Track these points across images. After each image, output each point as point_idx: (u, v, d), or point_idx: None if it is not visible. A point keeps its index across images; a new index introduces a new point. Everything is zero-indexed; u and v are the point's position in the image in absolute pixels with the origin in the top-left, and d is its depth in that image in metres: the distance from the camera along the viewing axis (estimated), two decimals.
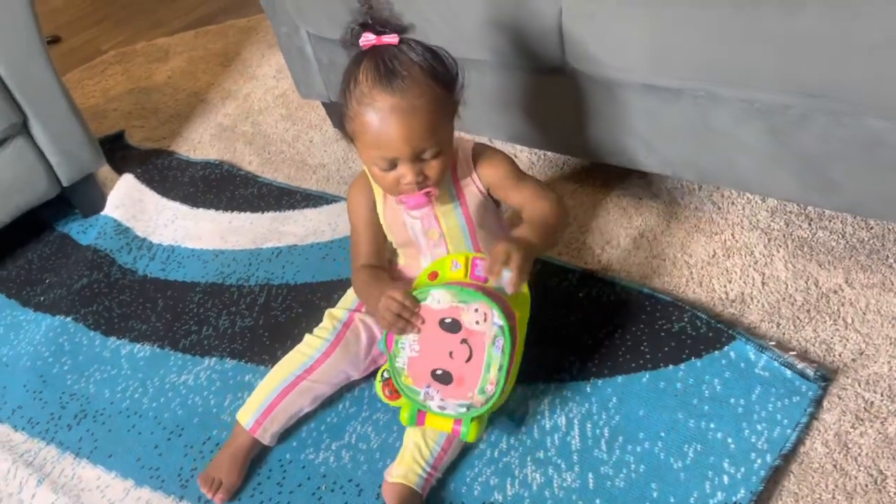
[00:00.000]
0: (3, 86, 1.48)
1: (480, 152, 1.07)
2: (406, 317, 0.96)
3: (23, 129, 1.54)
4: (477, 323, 0.94)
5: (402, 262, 1.16)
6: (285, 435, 1.13)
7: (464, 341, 0.95)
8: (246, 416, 1.10)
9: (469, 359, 0.95)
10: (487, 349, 0.94)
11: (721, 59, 1.02)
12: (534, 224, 1.00)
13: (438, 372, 0.96)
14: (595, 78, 1.19)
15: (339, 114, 0.99)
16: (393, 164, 0.97)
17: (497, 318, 0.93)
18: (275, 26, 1.64)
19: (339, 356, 1.11)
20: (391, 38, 0.94)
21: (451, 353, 0.95)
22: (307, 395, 1.11)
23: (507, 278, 0.90)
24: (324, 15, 1.45)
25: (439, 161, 0.98)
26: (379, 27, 0.94)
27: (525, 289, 0.96)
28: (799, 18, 0.92)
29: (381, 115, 0.93)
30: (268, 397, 1.10)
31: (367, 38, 0.95)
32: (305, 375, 1.10)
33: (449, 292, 0.95)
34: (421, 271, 1.05)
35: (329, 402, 1.15)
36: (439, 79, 0.95)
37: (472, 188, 1.06)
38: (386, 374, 1.04)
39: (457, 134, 1.03)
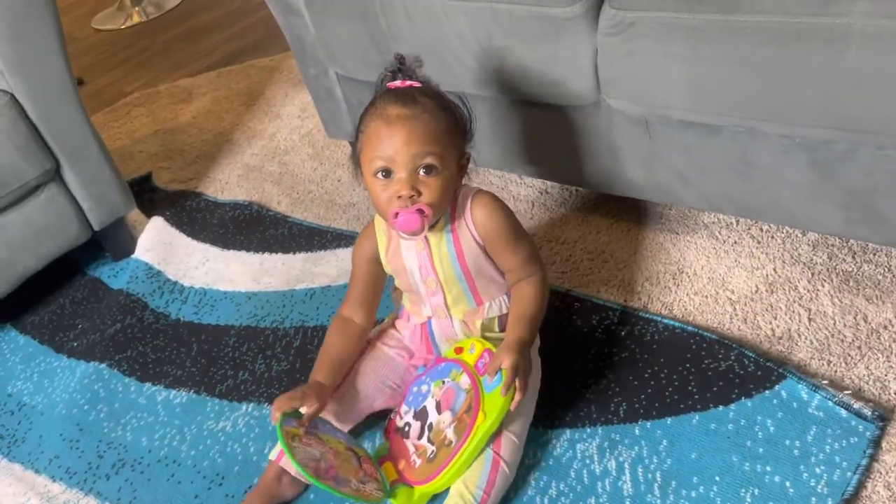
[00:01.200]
0: (37, 133, 1.49)
1: (479, 200, 1.07)
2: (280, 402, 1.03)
3: (55, 175, 1.55)
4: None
5: (408, 306, 1.18)
6: None
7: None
8: (273, 451, 1.10)
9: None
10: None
11: (763, 95, 1.02)
12: (524, 320, 1.05)
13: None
14: (631, 114, 1.19)
15: (354, 149, 1.07)
16: (389, 173, 1.00)
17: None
18: (302, 68, 1.65)
19: (355, 382, 1.14)
20: (414, 83, 1.04)
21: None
22: (332, 417, 1.10)
23: (498, 381, 0.99)
24: (355, 58, 1.46)
25: (436, 180, 1.00)
26: (407, 77, 1.05)
27: (506, 399, 0.99)
28: (844, 55, 0.92)
29: (386, 119, 0.99)
30: None
31: (395, 83, 1.05)
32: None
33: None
34: (424, 318, 1.14)
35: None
36: (449, 110, 1.03)
37: (468, 237, 1.07)
38: (392, 415, 1.12)
39: (470, 182, 1.10)
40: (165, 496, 1.17)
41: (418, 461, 1.03)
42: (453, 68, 1.30)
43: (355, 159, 1.07)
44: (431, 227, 1.05)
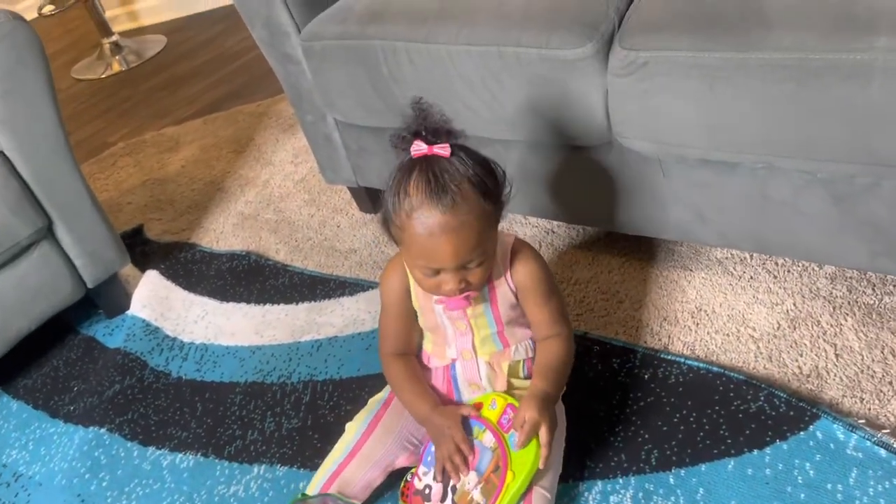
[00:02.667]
0: (29, 190, 1.45)
1: (518, 251, 1.05)
2: (458, 462, 0.99)
3: (48, 233, 1.50)
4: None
5: (430, 349, 1.14)
6: None
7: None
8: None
9: None
10: None
11: (782, 132, 1.01)
12: (550, 372, 1.03)
13: None
14: (644, 153, 1.17)
15: (383, 213, 0.99)
16: (436, 272, 0.97)
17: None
18: (299, 115, 1.63)
19: (377, 438, 1.08)
20: (443, 150, 0.93)
21: None
22: (355, 483, 1.06)
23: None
24: (355, 103, 1.44)
25: (483, 269, 0.98)
26: (431, 137, 0.94)
27: (533, 450, 0.96)
28: (867, 90, 0.91)
29: (430, 230, 0.92)
30: (330, 468, 1.07)
31: (419, 148, 0.94)
32: (347, 461, 1.06)
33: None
34: (447, 360, 1.10)
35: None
36: (488, 194, 0.95)
37: (505, 288, 1.05)
38: (409, 477, 1.06)
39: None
40: None
41: None
42: (460, 113, 1.28)
43: (386, 228, 1.00)
44: None
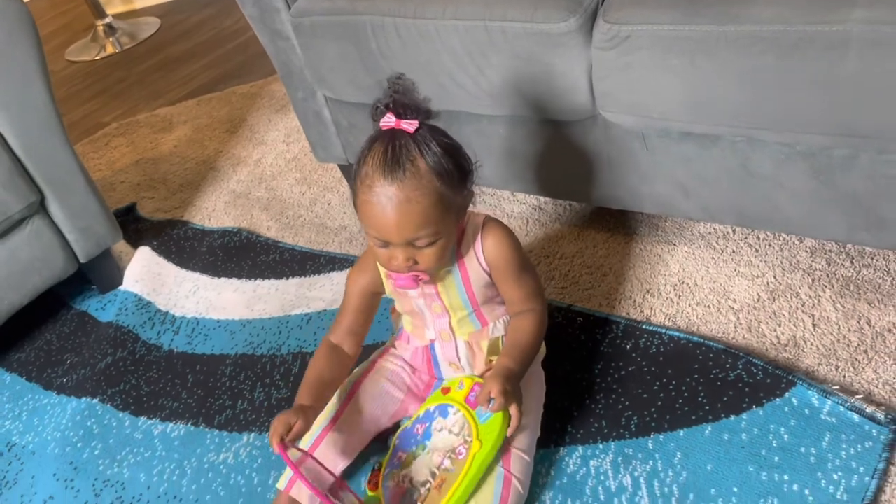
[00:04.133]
0: (21, 165, 1.46)
1: (489, 230, 1.05)
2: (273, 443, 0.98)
3: (40, 207, 1.51)
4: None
5: (409, 329, 1.15)
6: None
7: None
8: (282, 480, 1.08)
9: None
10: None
11: (762, 104, 1.02)
12: (516, 350, 1.04)
13: None
14: (627, 127, 1.19)
15: (351, 179, 1.00)
16: (386, 244, 0.97)
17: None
18: (290, 92, 1.64)
19: (358, 403, 1.11)
20: (409, 126, 0.93)
21: None
22: (338, 447, 1.08)
23: (490, 406, 0.97)
24: (344, 80, 1.45)
25: (433, 250, 0.97)
26: (402, 111, 0.94)
27: (497, 422, 0.98)
28: (843, 62, 0.93)
29: (377, 199, 0.93)
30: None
31: (388, 121, 0.95)
32: (329, 427, 1.09)
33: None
34: (426, 341, 1.12)
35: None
36: (444, 178, 0.94)
37: (476, 266, 1.05)
38: (376, 466, 1.08)
39: (470, 207, 1.03)
40: None
41: (414, 500, 1.00)
42: (447, 87, 1.30)
43: (353, 200, 1.00)
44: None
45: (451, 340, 1.10)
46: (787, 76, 0.97)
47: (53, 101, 1.48)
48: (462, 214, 1.02)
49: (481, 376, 1.08)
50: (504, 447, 0.99)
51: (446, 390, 1.07)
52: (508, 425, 0.98)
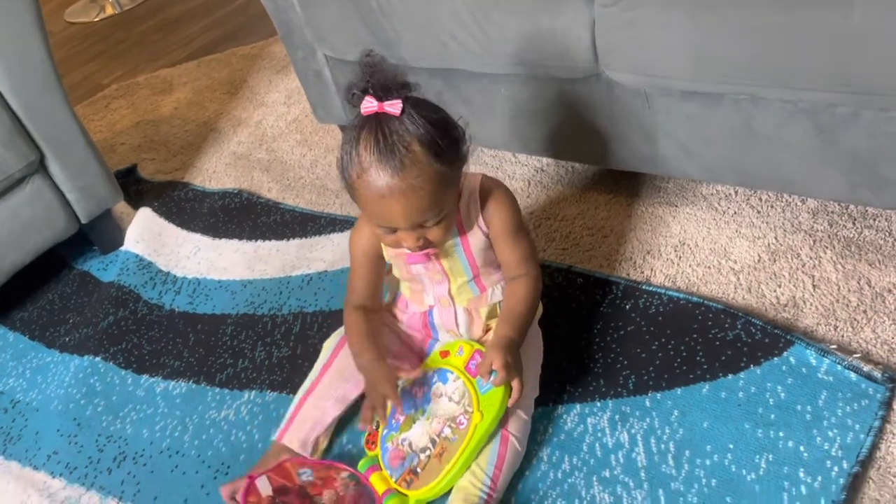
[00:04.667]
0: (20, 124, 1.45)
1: (488, 191, 1.04)
2: (380, 415, 1.00)
3: (40, 167, 1.51)
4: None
5: (408, 294, 1.15)
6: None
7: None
8: (276, 432, 1.10)
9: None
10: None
11: (766, 61, 1.01)
12: (514, 318, 1.03)
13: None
14: (630, 86, 1.18)
15: (339, 170, 0.96)
16: (393, 230, 0.96)
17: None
18: (290, 51, 1.62)
19: (346, 362, 1.11)
20: (393, 108, 0.89)
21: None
22: (328, 396, 1.09)
23: (491, 379, 0.97)
24: (344, 38, 1.44)
25: (441, 226, 0.96)
26: (381, 93, 0.90)
27: (499, 394, 0.98)
28: (848, 17, 0.91)
29: (379, 192, 0.90)
30: (290, 407, 1.11)
31: (369, 105, 0.90)
32: (321, 376, 1.10)
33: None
34: (425, 307, 1.12)
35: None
36: (441, 154, 0.91)
37: (477, 231, 1.04)
38: (374, 425, 1.07)
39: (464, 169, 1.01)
40: (171, 487, 1.14)
41: (413, 466, 1.01)
42: (448, 46, 1.28)
43: (344, 184, 0.97)
44: None
45: (451, 307, 1.10)
46: (792, 31, 0.96)
47: (52, 59, 1.47)
48: (459, 183, 1.01)
49: (480, 342, 1.08)
50: (504, 417, 0.99)
51: (445, 353, 1.07)
52: (510, 397, 0.98)
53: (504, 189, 1.06)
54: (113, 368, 1.38)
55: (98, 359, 1.40)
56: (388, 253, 1.08)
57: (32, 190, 1.50)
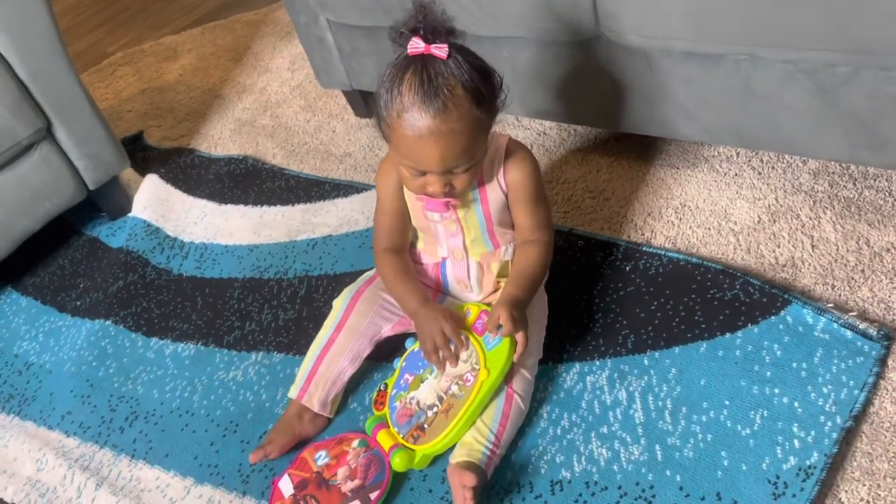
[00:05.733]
0: (27, 91, 1.46)
1: (512, 152, 1.05)
2: (446, 354, 1.03)
3: (47, 134, 1.53)
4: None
5: (421, 246, 1.16)
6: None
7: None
8: (293, 390, 1.12)
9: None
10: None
11: (765, 20, 1.01)
12: (522, 278, 1.05)
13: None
14: (631, 48, 1.18)
15: (374, 107, 0.97)
16: (422, 174, 0.97)
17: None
18: (292, 16, 1.62)
19: (360, 310, 1.12)
20: (440, 52, 0.91)
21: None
22: (344, 354, 1.11)
23: (499, 339, 1.00)
24: (346, 2, 1.44)
25: (469, 174, 0.98)
26: (430, 35, 0.91)
27: (505, 349, 1.00)
28: None
29: (418, 133, 0.91)
30: (307, 366, 1.12)
31: (416, 46, 0.91)
32: (335, 335, 1.11)
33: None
34: (438, 258, 1.13)
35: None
36: (482, 102, 0.93)
37: (496, 188, 1.05)
38: (382, 387, 1.10)
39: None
40: (181, 445, 1.18)
41: (421, 423, 1.03)
42: (449, 8, 1.27)
43: (378, 124, 0.98)
44: None
45: (464, 259, 1.12)
46: None
47: (57, 27, 1.48)
48: (490, 130, 1.01)
49: (487, 303, 1.09)
50: (510, 372, 1.02)
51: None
52: (515, 351, 1.00)
53: (528, 153, 1.07)
54: (123, 332, 1.40)
55: (109, 322, 1.43)
56: (409, 199, 1.09)
57: (40, 157, 1.52)
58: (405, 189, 1.09)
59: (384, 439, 1.04)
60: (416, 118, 0.91)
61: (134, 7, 2.92)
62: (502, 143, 1.05)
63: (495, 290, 1.12)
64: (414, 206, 1.10)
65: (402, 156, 0.97)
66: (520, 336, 0.99)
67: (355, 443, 1.06)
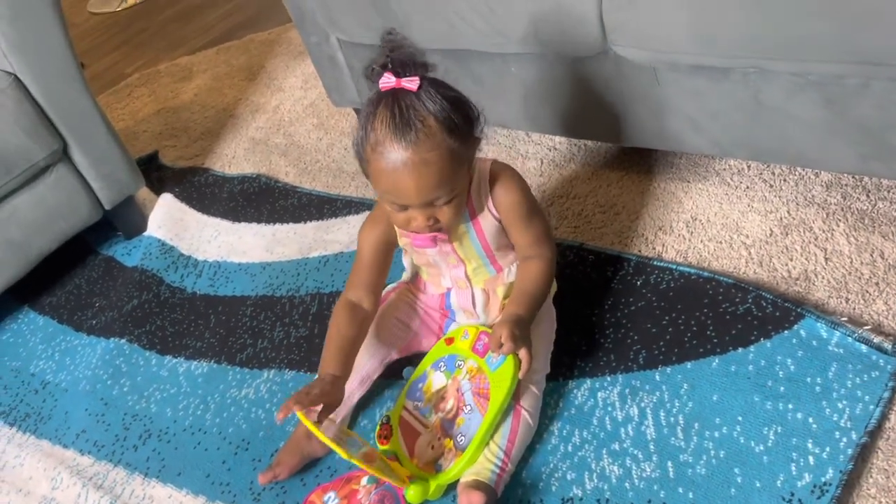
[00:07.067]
0: (43, 113, 1.49)
1: (497, 176, 1.04)
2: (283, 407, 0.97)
3: (63, 155, 1.55)
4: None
5: (426, 277, 1.16)
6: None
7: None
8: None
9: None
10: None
11: (773, 33, 1.00)
12: (523, 297, 1.04)
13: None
14: (638, 62, 1.18)
15: (354, 146, 0.97)
16: (404, 207, 0.96)
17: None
18: (304, 36, 1.64)
19: (371, 332, 1.13)
20: (410, 84, 0.91)
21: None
22: (354, 377, 1.10)
23: (502, 359, 1.00)
24: (356, 21, 1.45)
25: (452, 206, 0.97)
26: (400, 69, 0.91)
27: (510, 368, 0.99)
28: None
29: (392, 165, 0.91)
30: None
31: (387, 81, 0.92)
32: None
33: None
34: (443, 289, 1.14)
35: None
36: (455, 131, 0.92)
37: (488, 216, 1.05)
38: (385, 419, 1.08)
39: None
40: (193, 463, 1.18)
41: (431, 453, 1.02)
42: (456, 26, 1.29)
43: (360, 164, 0.98)
44: None
45: (468, 288, 1.12)
46: (799, 1, 0.95)
47: (72, 49, 1.50)
48: (471, 164, 1.01)
49: (489, 326, 1.09)
50: (517, 392, 1.01)
51: (450, 341, 1.09)
52: (519, 369, 0.99)
53: (511, 172, 1.06)
54: (138, 350, 1.42)
55: (123, 341, 1.44)
56: (402, 240, 1.09)
57: (56, 178, 1.54)
58: (398, 230, 1.07)
59: (398, 470, 1.00)
60: (389, 150, 0.90)
61: (150, 28, 2.97)
62: (485, 169, 1.04)
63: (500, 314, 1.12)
64: (410, 245, 1.08)
65: (382, 190, 0.97)
66: (523, 353, 0.98)
67: (364, 480, 1.03)
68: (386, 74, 0.92)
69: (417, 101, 0.91)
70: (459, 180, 0.97)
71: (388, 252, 1.11)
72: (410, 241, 1.04)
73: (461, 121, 0.94)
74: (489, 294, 1.12)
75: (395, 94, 0.91)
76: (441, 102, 0.91)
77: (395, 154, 0.90)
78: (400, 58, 0.91)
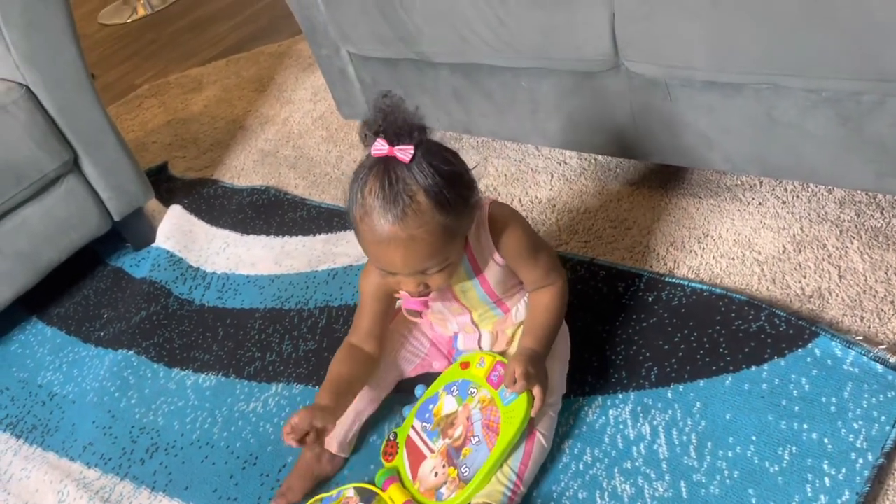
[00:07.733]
0: (54, 124, 1.49)
1: (496, 219, 1.00)
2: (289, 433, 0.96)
3: (74, 166, 1.55)
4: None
5: (433, 318, 1.14)
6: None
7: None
8: None
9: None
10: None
11: (787, 50, 1.00)
12: (538, 330, 1.03)
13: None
14: (651, 77, 1.17)
15: (347, 204, 0.94)
16: (393, 273, 0.94)
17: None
18: (314, 49, 1.64)
19: (384, 351, 1.11)
20: (403, 155, 0.86)
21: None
22: (365, 396, 1.10)
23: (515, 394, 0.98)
24: (367, 35, 1.45)
25: (443, 274, 0.94)
26: (393, 137, 0.87)
27: (522, 405, 0.98)
28: (872, 2, 0.90)
29: (378, 237, 0.88)
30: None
31: (380, 148, 0.87)
32: None
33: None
34: (450, 332, 1.12)
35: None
36: (447, 206, 0.88)
37: (491, 263, 1.02)
38: (392, 436, 1.08)
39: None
40: (200, 477, 1.17)
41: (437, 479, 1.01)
42: (468, 39, 1.29)
43: (353, 228, 0.94)
44: None
45: (475, 332, 1.11)
46: (812, 18, 0.95)
47: (83, 59, 1.51)
48: (469, 229, 0.97)
49: (501, 352, 1.08)
50: (529, 428, 0.99)
51: (465, 365, 1.08)
52: (532, 406, 0.98)
53: (511, 213, 1.03)
54: (145, 362, 1.41)
55: (131, 353, 1.43)
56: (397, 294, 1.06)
57: (67, 189, 1.54)
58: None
59: (396, 494, 1.01)
60: (375, 223, 0.87)
61: (161, 40, 2.99)
62: (484, 216, 1.00)
63: (510, 345, 1.10)
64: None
65: (370, 257, 0.96)
66: (537, 391, 0.97)
67: (349, 492, 1.03)
68: (379, 141, 0.88)
69: (409, 173, 0.86)
70: (452, 251, 0.94)
71: (389, 299, 1.08)
72: (402, 300, 1.01)
73: (454, 196, 0.89)
74: (497, 335, 1.11)
75: (387, 163, 0.87)
76: (433, 177, 0.87)
77: (381, 227, 0.87)
78: (394, 124, 0.87)
